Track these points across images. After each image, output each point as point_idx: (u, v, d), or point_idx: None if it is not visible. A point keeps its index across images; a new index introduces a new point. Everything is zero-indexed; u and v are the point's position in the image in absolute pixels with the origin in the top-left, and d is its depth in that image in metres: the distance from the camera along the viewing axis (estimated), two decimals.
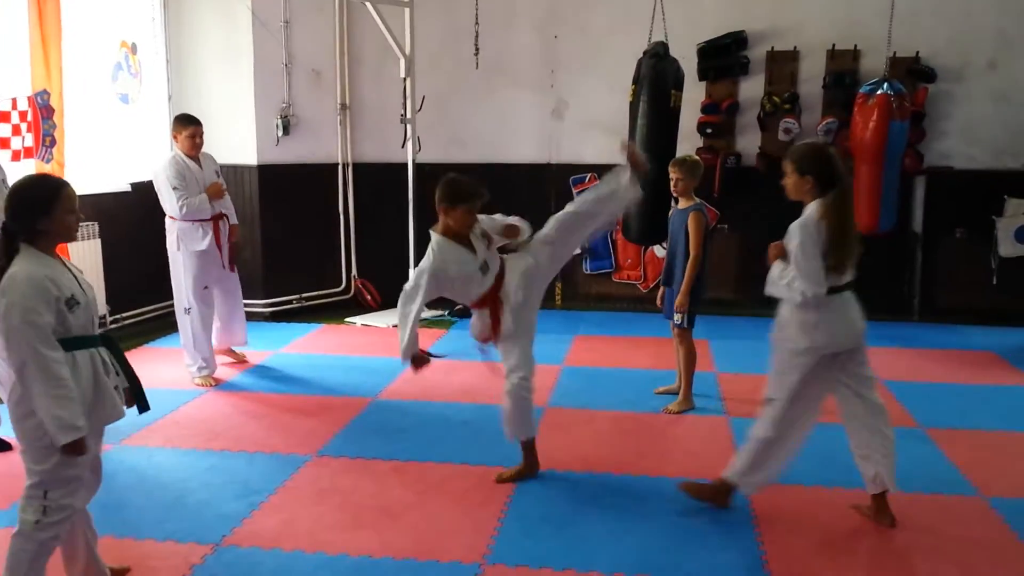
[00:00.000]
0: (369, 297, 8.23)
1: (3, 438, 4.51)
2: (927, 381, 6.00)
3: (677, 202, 5.36)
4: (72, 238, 2.99)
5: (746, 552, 3.56)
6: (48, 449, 2.83)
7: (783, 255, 3.63)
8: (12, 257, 2.82)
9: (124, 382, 3.08)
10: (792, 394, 3.70)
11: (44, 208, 2.84)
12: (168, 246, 5.86)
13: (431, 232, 4.11)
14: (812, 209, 3.58)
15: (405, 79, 7.73)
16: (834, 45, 7.52)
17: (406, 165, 7.83)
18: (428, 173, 7.79)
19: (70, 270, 2.96)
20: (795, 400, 3.71)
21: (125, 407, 3.07)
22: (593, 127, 8.01)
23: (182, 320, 5.91)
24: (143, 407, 3.17)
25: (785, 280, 3.59)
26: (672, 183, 5.19)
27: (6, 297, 2.77)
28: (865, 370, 3.75)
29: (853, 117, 6.98)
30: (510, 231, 4.22)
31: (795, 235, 3.55)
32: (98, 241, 6.63)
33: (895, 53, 7.03)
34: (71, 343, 2.85)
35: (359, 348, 6.88)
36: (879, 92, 6.74)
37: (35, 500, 2.88)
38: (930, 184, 7.61)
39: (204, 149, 5.92)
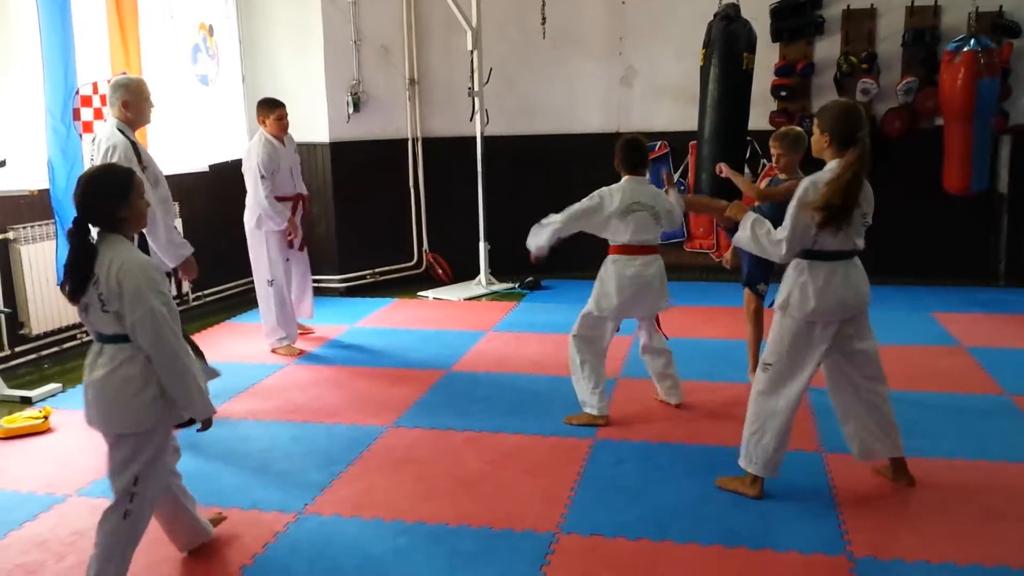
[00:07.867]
0: (440, 271, 8.31)
1: None
2: (1014, 347, 5.80)
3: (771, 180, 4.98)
4: (144, 224, 2.96)
5: (825, 522, 3.51)
6: (148, 434, 2.89)
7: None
8: (90, 249, 2.77)
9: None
10: (786, 361, 3.59)
11: (120, 195, 2.81)
12: (247, 222, 6.00)
13: None
14: (827, 168, 3.51)
15: (472, 52, 7.73)
16: (913, 1, 7.24)
17: (475, 138, 7.85)
18: (496, 145, 7.85)
19: None
20: (790, 367, 3.59)
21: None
22: (663, 94, 7.90)
23: (263, 293, 6.06)
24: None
25: (763, 232, 3.54)
26: (774, 159, 4.81)
27: (132, 281, 2.73)
28: (858, 343, 3.62)
29: (940, 75, 6.76)
30: None
31: (798, 191, 3.50)
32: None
33: (978, 8, 6.75)
34: None
35: (432, 321, 6.96)
36: (965, 49, 6.51)
37: (127, 479, 2.89)
38: (1016, 143, 7.31)
39: None
